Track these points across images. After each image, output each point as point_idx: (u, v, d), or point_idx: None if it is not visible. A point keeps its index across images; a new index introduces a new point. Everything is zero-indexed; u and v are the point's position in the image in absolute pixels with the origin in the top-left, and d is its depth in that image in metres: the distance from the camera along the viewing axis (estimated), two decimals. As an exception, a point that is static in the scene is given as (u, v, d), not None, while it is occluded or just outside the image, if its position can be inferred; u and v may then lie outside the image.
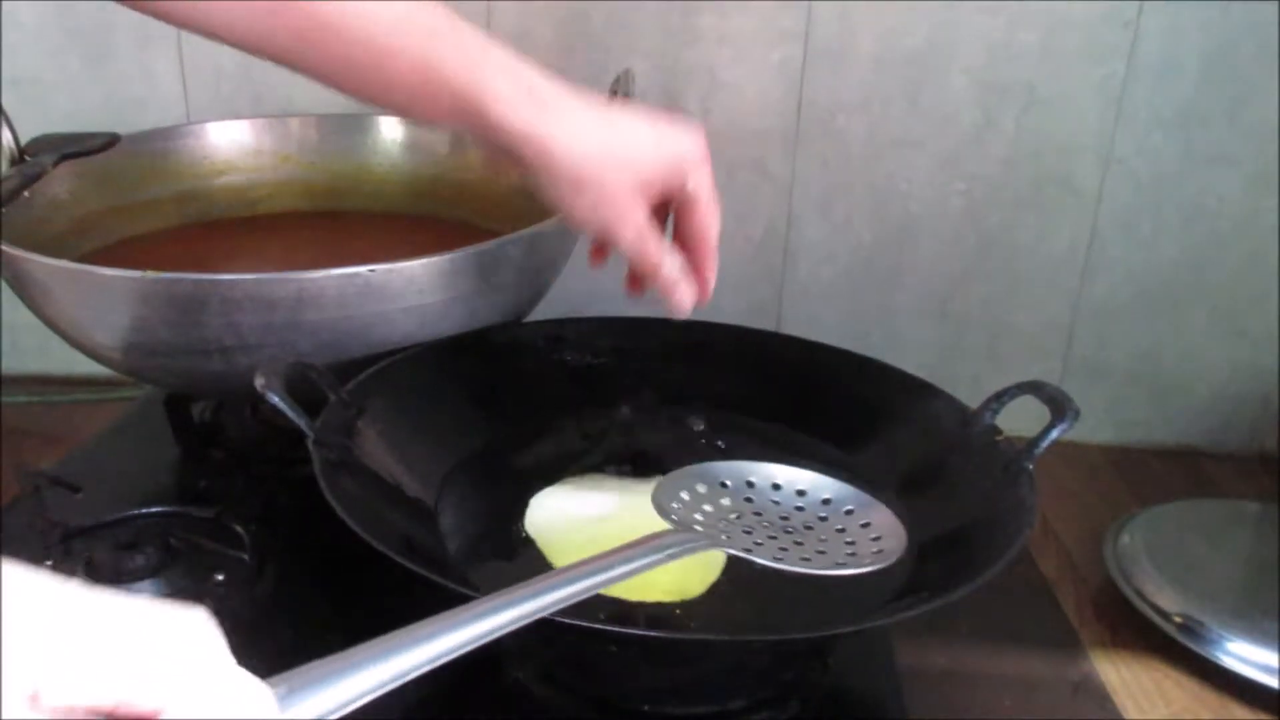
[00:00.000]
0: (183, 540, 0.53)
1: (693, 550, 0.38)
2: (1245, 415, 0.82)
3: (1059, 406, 0.48)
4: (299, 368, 0.47)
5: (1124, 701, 0.57)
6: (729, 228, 0.81)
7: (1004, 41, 0.74)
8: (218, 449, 0.65)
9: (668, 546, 0.37)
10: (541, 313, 0.69)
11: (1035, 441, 0.48)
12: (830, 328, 0.82)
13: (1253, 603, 0.61)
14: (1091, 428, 0.83)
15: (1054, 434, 0.48)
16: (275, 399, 0.44)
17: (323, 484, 0.42)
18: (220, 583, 0.51)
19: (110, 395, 0.77)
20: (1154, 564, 0.64)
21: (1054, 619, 0.63)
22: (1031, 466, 0.48)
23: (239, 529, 0.54)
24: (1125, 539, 0.67)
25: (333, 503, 0.41)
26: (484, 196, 0.75)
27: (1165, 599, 0.61)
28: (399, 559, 0.38)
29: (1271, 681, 0.56)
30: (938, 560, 0.47)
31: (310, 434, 0.45)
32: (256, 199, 0.76)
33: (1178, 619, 0.60)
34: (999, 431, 0.52)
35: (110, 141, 0.66)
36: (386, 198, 0.77)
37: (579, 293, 0.83)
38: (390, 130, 0.78)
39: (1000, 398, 0.52)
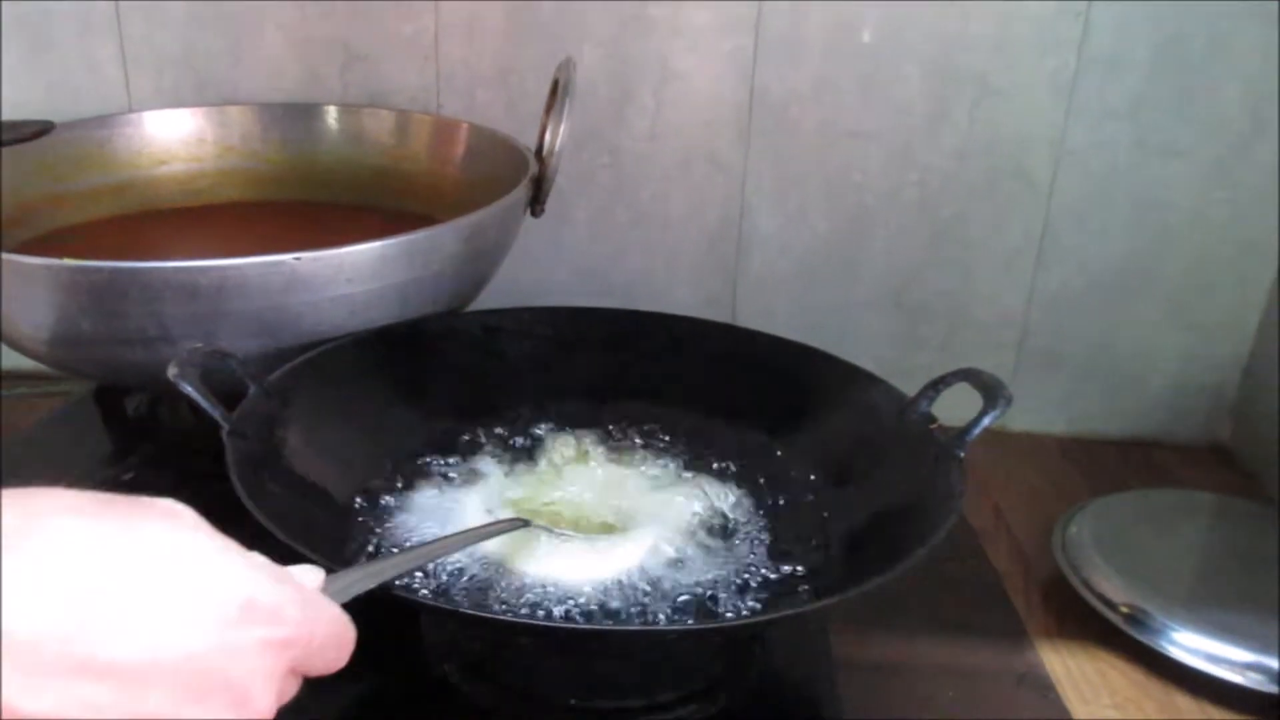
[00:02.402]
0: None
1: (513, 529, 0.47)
2: (1198, 406, 0.82)
3: (992, 393, 0.47)
4: (218, 357, 0.46)
5: (1067, 692, 0.57)
6: (682, 218, 0.82)
7: (956, 32, 0.74)
8: (150, 443, 0.63)
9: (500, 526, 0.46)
10: (490, 304, 0.68)
11: (967, 429, 0.48)
12: (785, 320, 0.81)
13: (1201, 593, 0.61)
14: (1046, 419, 0.83)
15: (986, 421, 0.47)
16: (188, 388, 0.43)
17: (234, 476, 0.41)
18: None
19: (47, 390, 0.75)
20: (1101, 554, 0.63)
21: (1002, 610, 0.63)
22: (963, 454, 0.48)
23: (167, 523, 0.52)
24: (1074, 529, 0.67)
25: (243, 496, 0.40)
26: (430, 187, 0.74)
27: (1112, 589, 0.61)
28: (313, 557, 0.37)
29: (1216, 671, 0.56)
30: (867, 549, 0.47)
31: (225, 425, 0.44)
32: (199, 189, 0.75)
33: (1124, 609, 0.60)
34: (934, 419, 0.51)
35: (43, 129, 0.65)
36: (332, 188, 0.76)
37: (530, 284, 0.82)
38: (335, 120, 0.77)
39: (936, 385, 0.52)
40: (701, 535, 0.51)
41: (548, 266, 0.83)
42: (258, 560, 0.31)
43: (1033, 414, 0.83)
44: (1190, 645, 0.57)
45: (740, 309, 0.83)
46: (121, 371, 0.55)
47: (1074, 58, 0.73)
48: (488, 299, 0.69)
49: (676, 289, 0.83)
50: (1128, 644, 0.59)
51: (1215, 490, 0.74)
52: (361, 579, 0.35)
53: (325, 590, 0.33)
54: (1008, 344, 0.81)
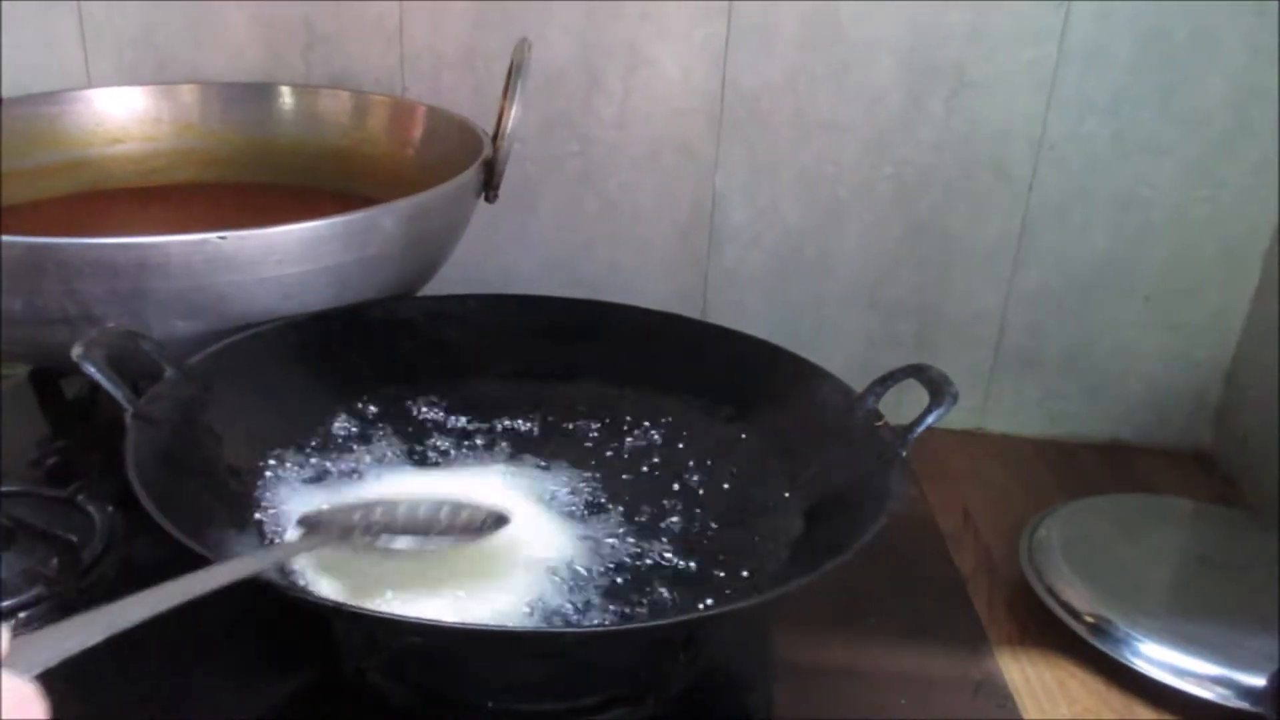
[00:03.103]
0: (19, 521, 0.49)
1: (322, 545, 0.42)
2: (1180, 410, 0.79)
3: (938, 390, 0.46)
4: (130, 337, 0.44)
5: (1025, 701, 0.55)
6: (652, 210, 0.80)
7: (933, 22, 0.71)
8: (86, 426, 0.62)
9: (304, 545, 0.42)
10: (451, 291, 0.66)
11: (911, 426, 0.46)
12: (757, 316, 0.80)
13: (1170, 603, 0.59)
14: (1023, 420, 0.81)
15: (930, 419, 0.45)
16: (91, 368, 0.41)
17: (129, 462, 0.39)
18: (54, 568, 0.47)
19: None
20: (1068, 560, 0.61)
21: (963, 616, 0.61)
22: (905, 453, 0.46)
23: (92, 510, 0.51)
24: (1042, 534, 0.65)
25: (135, 485, 0.38)
26: (389, 170, 0.72)
27: (1077, 597, 0.59)
28: (199, 550, 0.35)
29: (1180, 684, 0.54)
30: (804, 549, 0.45)
31: (129, 408, 0.43)
32: (154, 169, 0.73)
33: (1088, 618, 0.58)
34: (880, 416, 0.50)
35: (-13, 105, 0.63)
36: (292, 171, 0.75)
37: (496, 274, 0.81)
38: (295, 100, 0.75)
39: (884, 381, 0.50)
40: (631, 532, 0.49)
41: (514, 257, 0.81)
42: None
43: (1009, 415, 0.81)
44: (1155, 657, 0.55)
45: (711, 304, 0.81)
46: (47, 352, 0.54)
47: (1054, 49, 0.71)
48: (448, 288, 0.67)
49: (646, 282, 0.81)
50: (1090, 654, 0.57)
51: (1195, 497, 0.72)
52: (61, 642, 0.28)
53: (8, 656, 0.27)
54: (984, 343, 0.79)
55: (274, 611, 0.46)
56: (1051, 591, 0.60)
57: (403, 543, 0.42)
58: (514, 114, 0.60)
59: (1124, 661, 0.56)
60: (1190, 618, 0.57)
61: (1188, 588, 0.62)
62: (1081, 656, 0.57)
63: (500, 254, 0.80)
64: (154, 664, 0.46)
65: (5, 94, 0.71)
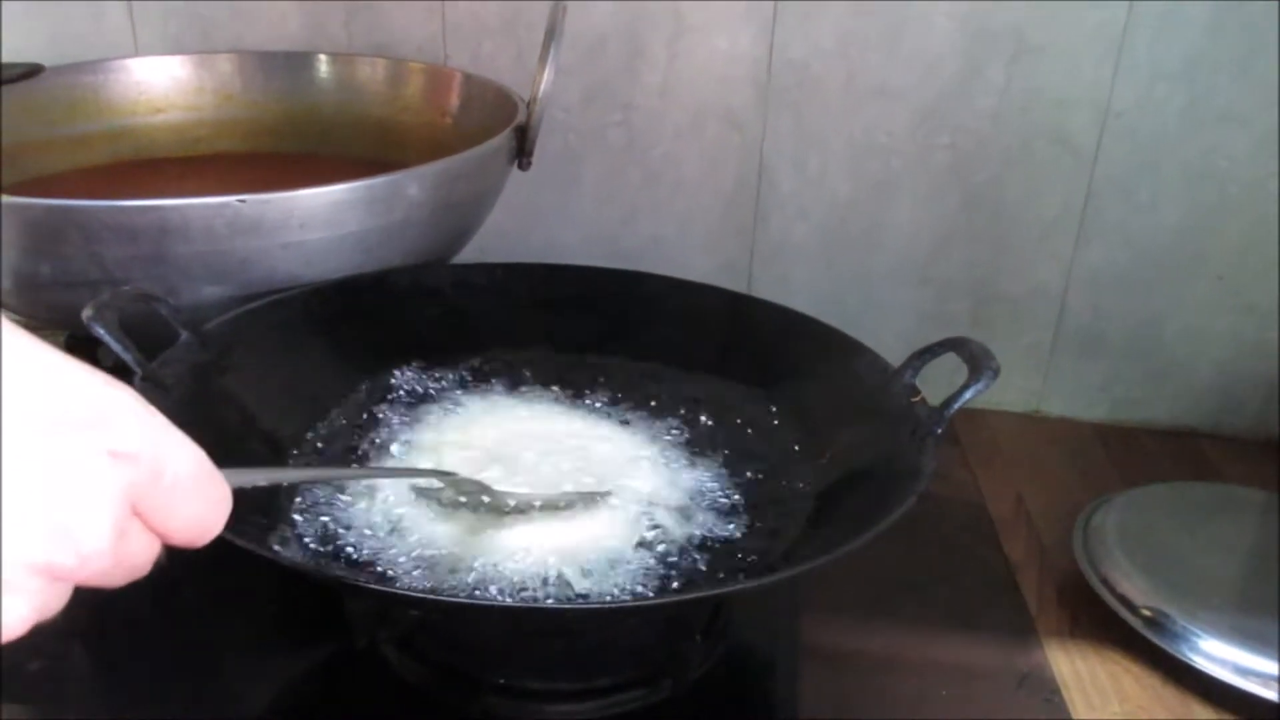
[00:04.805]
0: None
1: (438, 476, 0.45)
2: (1252, 396, 0.75)
3: (978, 364, 0.43)
4: (144, 300, 0.44)
5: (1074, 696, 0.53)
6: (696, 180, 0.78)
7: (993, -18, 0.68)
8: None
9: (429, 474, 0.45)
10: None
11: (948, 402, 0.43)
12: (803, 290, 0.78)
13: (1235, 599, 0.56)
14: (1083, 403, 0.78)
15: (968, 394, 0.43)
16: (101, 330, 0.41)
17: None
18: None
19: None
20: (1125, 550, 0.58)
21: (1011, 605, 0.59)
22: (941, 430, 0.43)
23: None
24: (1098, 522, 0.62)
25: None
26: (428, 138, 0.72)
27: (1133, 589, 0.56)
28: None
29: (1242, 683, 0.51)
30: (832, 528, 0.43)
31: (138, 370, 0.42)
32: (196, 138, 0.73)
33: (1145, 611, 0.55)
34: (916, 392, 0.47)
35: (30, 71, 0.64)
36: (333, 140, 0.74)
37: (540, 246, 0.80)
38: (333, 69, 0.75)
39: (922, 355, 0.47)
40: (662, 505, 0.47)
41: (555, 229, 0.80)
42: (88, 367, 0.26)
43: (1069, 398, 0.78)
44: (1215, 654, 0.53)
45: (756, 277, 0.79)
46: (74, 318, 0.54)
47: (1123, 11, 0.67)
48: (491, 255, 0.66)
49: (690, 255, 0.79)
50: (1146, 649, 0.54)
51: (1265, 488, 0.68)
52: (245, 477, 0.31)
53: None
54: (1044, 323, 0.76)
55: (288, 583, 0.46)
56: (1106, 582, 0.57)
57: (514, 497, 0.44)
58: (548, 78, 0.59)
59: (1181, 658, 0.53)
60: (1255, 614, 0.54)
61: (1253, 582, 0.58)
62: (1136, 651, 0.55)
63: (541, 226, 0.79)
64: (169, 635, 0.46)
65: (53, 63, 0.71)
